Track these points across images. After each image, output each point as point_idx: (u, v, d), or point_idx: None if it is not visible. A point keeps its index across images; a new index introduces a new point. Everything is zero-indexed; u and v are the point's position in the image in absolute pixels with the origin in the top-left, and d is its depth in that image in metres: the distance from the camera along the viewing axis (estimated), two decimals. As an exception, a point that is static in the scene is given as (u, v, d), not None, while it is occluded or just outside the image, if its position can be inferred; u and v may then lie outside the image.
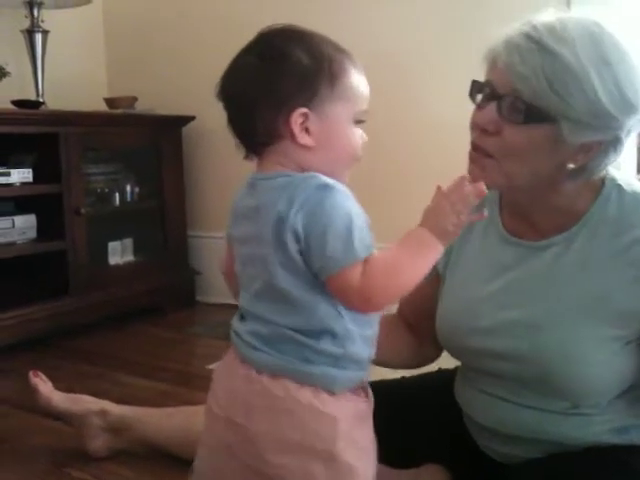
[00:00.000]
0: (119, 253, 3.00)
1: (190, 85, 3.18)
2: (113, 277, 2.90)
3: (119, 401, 1.69)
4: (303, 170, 0.92)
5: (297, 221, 0.86)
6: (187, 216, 3.22)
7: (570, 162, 0.99)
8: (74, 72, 3.22)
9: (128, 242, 3.05)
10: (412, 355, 1.31)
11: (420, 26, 2.66)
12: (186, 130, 3.15)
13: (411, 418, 1.29)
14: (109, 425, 1.62)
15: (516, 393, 1.10)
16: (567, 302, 1.04)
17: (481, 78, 1.05)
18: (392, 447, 1.10)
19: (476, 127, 1.03)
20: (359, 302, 0.88)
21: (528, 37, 0.96)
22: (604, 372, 1.04)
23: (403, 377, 1.43)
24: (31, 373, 1.67)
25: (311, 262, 0.87)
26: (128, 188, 3.02)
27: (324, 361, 0.90)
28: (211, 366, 2.33)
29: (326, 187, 0.87)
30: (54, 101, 2.89)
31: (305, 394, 0.89)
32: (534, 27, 0.97)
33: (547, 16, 0.99)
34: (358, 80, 0.94)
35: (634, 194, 1.05)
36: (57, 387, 1.68)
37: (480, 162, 1.03)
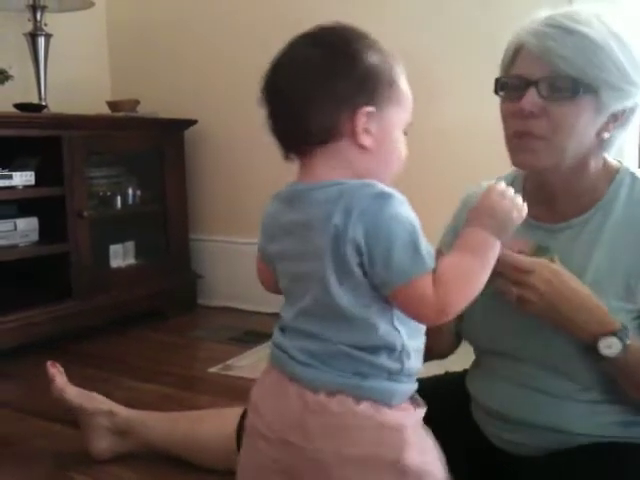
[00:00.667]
0: (121, 256, 3.01)
1: (192, 89, 3.19)
2: (115, 280, 2.91)
3: (122, 404, 1.69)
4: (356, 174, 0.88)
5: (357, 233, 0.82)
6: (189, 219, 3.22)
7: (604, 132, 1.09)
8: (77, 75, 3.22)
9: (130, 245, 3.05)
10: (434, 343, 1.32)
11: (433, 25, 2.61)
12: (188, 134, 3.16)
13: None
14: (115, 427, 1.63)
15: (531, 375, 1.13)
16: (582, 278, 1.08)
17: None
18: None
19: (518, 115, 1.08)
20: (433, 312, 0.84)
21: (551, 25, 1.06)
22: None
23: None
24: (49, 363, 1.69)
25: (374, 275, 0.84)
26: (130, 191, 3.02)
27: (380, 375, 0.87)
28: (212, 369, 2.34)
29: (383, 195, 0.84)
30: (57, 104, 2.89)
31: (364, 408, 0.86)
32: (551, 17, 1.07)
33: (550, 11, 1.09)
34: (407, 89, 0.94)
35: None
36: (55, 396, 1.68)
37: (530, 147, 1.09)
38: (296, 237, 0.89)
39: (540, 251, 1.07)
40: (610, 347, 1.03)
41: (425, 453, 0.90)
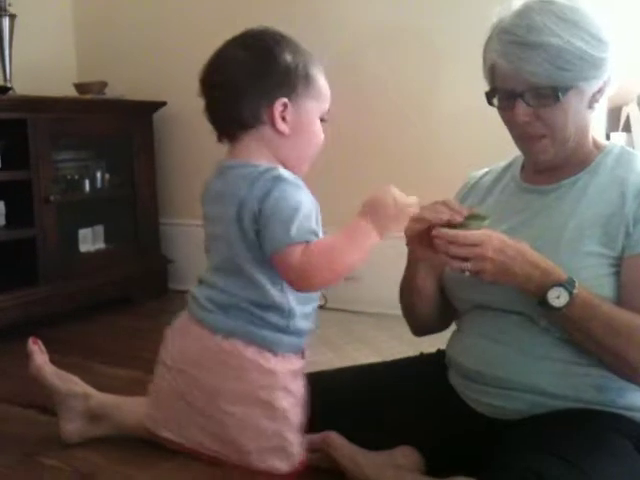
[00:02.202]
0: (90, 241, 2.97)
1: (161, 71, 3.15)
2: (84, 265, 2.87)
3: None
4: (275, 156, 1.07)
5: (254, 205, 1.00)
6: (159, 203, 3.19)
7: (594, 103, 1.21)
8: (43, 57, 3.16)
9: (99, 229, 3.02)
10: (425, 318, 1.38)
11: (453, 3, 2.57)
12: (157, 116, 3.12)
13: (396, 394, 1.35)
14: (89, 411, 1.62)
15: (510, 330, 1.19)
16: (565, 226, 1.19)
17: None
18: (380, 423, 1.27)
19: (517, 124, 1.19)
20: (296, 280, 1.02)
21: (514, 43, 1.14)
22: (592, 290, 1.12)
23: (384, 361, 1.50)
24: (31, 339, 1.67)
25: (261, 241, 1.02)
26: (98, 175, 2.98)
27: (269, 328, 1.06)
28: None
29: (280, 178, 1.02)
30: (22, 86, 2.84)
31: (251, 352, 1.05)
32: (510, 32, 1.15)
33: (503, 12, 1.19)
34: (325, 83, 1.12)
35: (631, 152, 1.26)
36: (29, 377, 1.66)
37: (539, 147, 1.21)
38: (217, 204, 1.07)
39: (474, 218, 1.15)
40: (558, 297, 1.10)
41: (293, 397, 1.09)
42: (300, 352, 1.13)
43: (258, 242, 1.03)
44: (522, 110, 1.17)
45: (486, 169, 1.43)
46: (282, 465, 1.07)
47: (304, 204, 1.02)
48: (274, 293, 1.05)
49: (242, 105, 1.06)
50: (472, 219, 1.14)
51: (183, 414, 1.09)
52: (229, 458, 1.07)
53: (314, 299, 1.13)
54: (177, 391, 1.10)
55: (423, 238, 1.18)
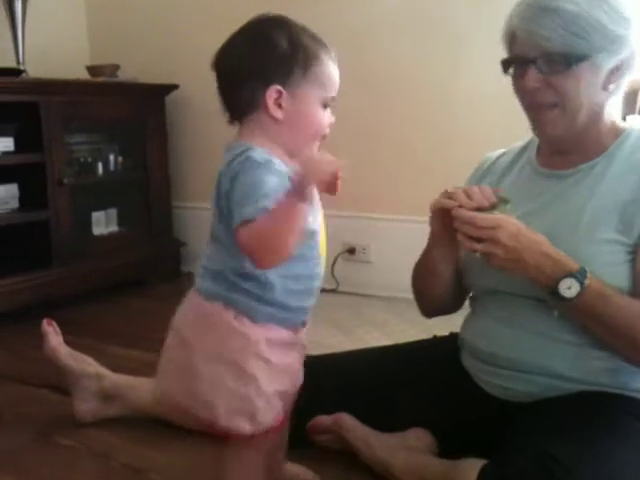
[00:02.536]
0: (103, 223, 2.98)
1: (173, 53, 3.14)
2: (97, 248, 2.89)
3: (105, 371, 1.69)
4: (272, 140, 1.08)
5: (226, 182, 1.04)
6: (171, 186, 3.20)
7: (610, 84, 1.18)
8: (55, 40, 3.16)
9: (112, 212, 3.02)
10: (436, 297, 1.38)
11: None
12: (169, 99, 3.12)
13: (408, 377, 1.35)
14: (102, 391, 1.64)
15: (523, 313, 1.20)
16: (582, 213, 1.18)
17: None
18: (393, 406, 1.29)
19: (528, 91, 1.19)
20: (248, 257, 1.03)
21: (531, 6, 1.15)
22: (607, 277, 1.12)
23: (396, 344, 1.51)
24: (45, 321, 1.70)
25: (228, 217, 1.04)
26: (111, 158, 2.98)
27: (244, 294, 1.08)
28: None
29: (250, 160, 1.03)
30: (35, 69, 2.84)
31: (228, 315, 1.08)
32: (529, 1, 1.15)
33: None
34: (329, 69, 1.10)
35: None
36: (43, 358, 1.68)
37: (547, 118, 1.20)
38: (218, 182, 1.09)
39: (501, 203, 1.14)
40: (570, 288, 1.09)
41: (269, 367, 1.09)
42: (289, 325, 1.12)
43: (227, 217, 1.06)
44: (533, 76, 1.16)
45: (502, 150, 1.42)
46: (247, 427, 1.09)
47: (269, 184, 1.01)
48: (249, 264, 1.06)
49: (240, 91, 1.08)
50: (496, 203, 1.14)
51: (167, 370, 1.15)
52: (198, 413, 1.10)
53: (304, 277, 1.12)
54: (168, 346, 1.16)
55: (445, 217, 1.18)
